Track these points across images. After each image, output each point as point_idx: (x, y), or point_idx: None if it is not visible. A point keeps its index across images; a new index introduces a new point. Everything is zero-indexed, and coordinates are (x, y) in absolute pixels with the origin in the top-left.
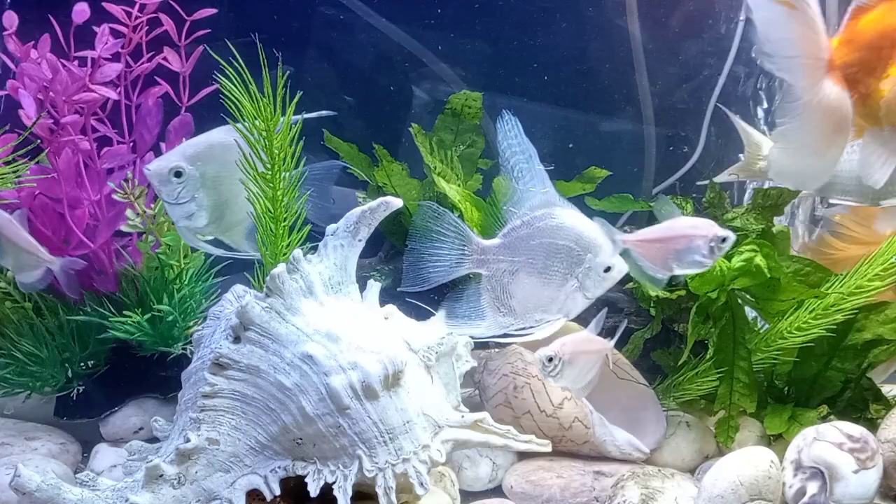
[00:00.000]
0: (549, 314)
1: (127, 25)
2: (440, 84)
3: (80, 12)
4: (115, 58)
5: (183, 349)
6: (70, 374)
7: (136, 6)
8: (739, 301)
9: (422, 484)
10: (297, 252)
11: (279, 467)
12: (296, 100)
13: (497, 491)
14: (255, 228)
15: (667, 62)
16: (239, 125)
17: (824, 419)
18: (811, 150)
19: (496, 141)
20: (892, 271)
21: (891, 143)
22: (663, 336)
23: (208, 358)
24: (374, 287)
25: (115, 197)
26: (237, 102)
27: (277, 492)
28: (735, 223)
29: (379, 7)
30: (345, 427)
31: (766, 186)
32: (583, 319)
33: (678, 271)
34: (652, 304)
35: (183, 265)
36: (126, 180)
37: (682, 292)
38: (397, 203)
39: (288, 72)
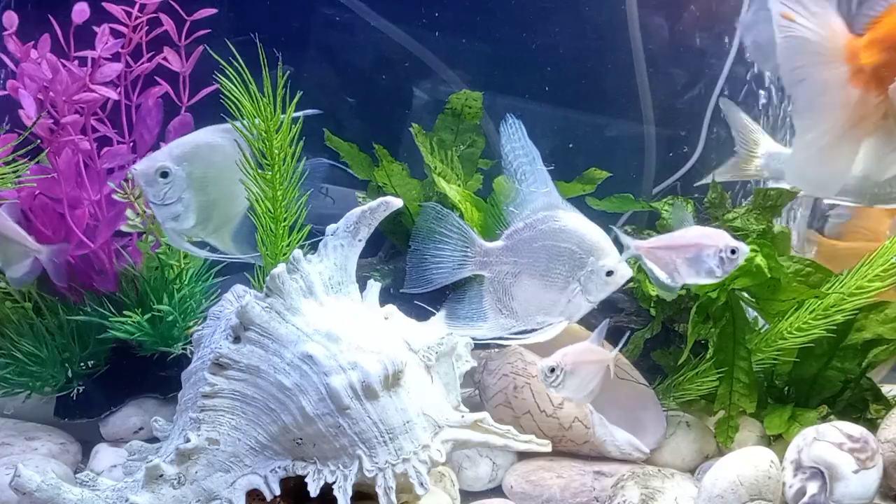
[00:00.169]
0: (552, 317)
1: (127, 25)
2: (440, 84)
3: (80, 12)
4: (115, 58)
5: (183, 349)
6: (70, 374)
7: (136, 6)
8: (740, 301)
9: (422, 484)
10: (297, 252)
11: (279, 467)
12: (296, 99)
13: (497, 491)
14: (241, 230)
15: (667, 62)
16: (237, 123)
17: (824, 419)
18: (834, 154)
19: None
20: (892, 272)
21: None
22: (663, 336)
23: (208, 358)
24: (374, 287)
25: (115, 197)
26: (237, 102)
27: (277, 492)
28: (735, 223)
29: (379, 7)
30: (345, 427)
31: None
32: (587, 322)
33: (689, 280)
34: (652, 304)
35: (183, 265)
36: (126, 180)
37: (683, 292)
38: (397, 203)
39: (288, 72)
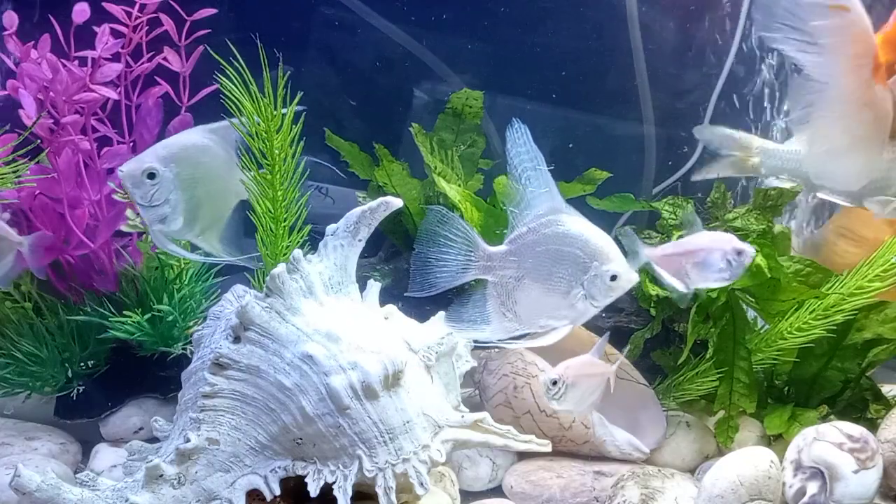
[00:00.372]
0: (556, 321)
1: (127, 25)
2: (440, 84)
3: (80, 12)
4: (116, 58)
5: (183, 349)
6: (70, 374)
7: (136, 6)
8: (739, 301)
9: (422, 484)
10: (297, 252)
11: (279, 467)
12: (296, 99)
13: (497, 491)
14: (227, 232)
15: (667, 62)
16: (235, 121)
17: (824, 419)
18: (855, 150)
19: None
20: (892, 272)
21: None
22: (663, 336)
23: (208, 358)
24: (374, 287)
25: (115, 197)
26: (237, 102)
27: (277, 492)
28: (735, 223)
29: (379, 7)
30: (345, 427)
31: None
32: (590, 324)
33: (701, 285)
34: (652, 304)
35: (183, 265)
36: None
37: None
38: (397, 203)
39: (288, 72)
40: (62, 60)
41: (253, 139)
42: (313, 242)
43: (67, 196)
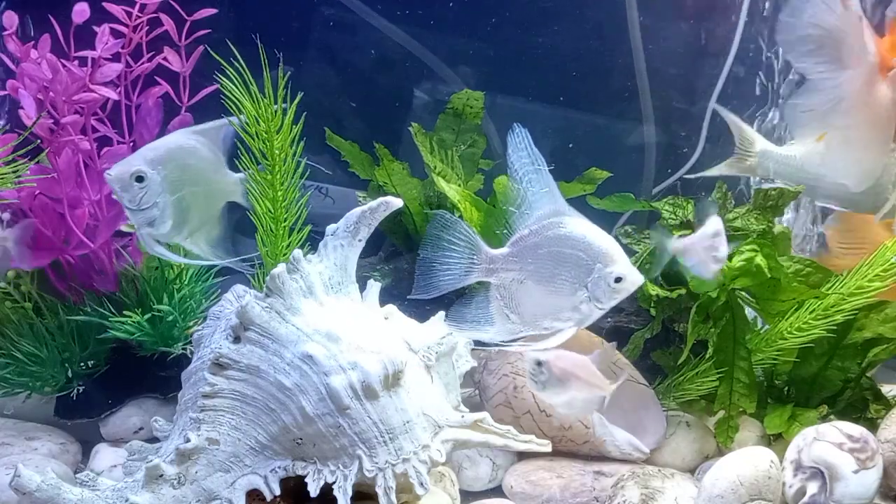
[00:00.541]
0: (560, 323)
1: (127, 25)
2: (440, 84)
3: (80, 12)
4: (116, 58)
5: (183, 349)
6: (70, 374)
7: (136, 6)
8: (739, 301)
9: (422, 484)
10: (297, 252)
11: (279, 467)
12: (297, 100)
13: (497, 491)
14: (217, 233)
15: (667, 62)
16: (234, 120)
17: (824, 419)
18: (866, 150)
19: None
20: (892, 272)
21: None
22: (663, 336)
23: (208, 358)
24: (374, 287)
25: (115, 197)
26: (237, 102)
27: (277, 492)
28: (736, 223)
29: (379, 7)
30: (345, 427)
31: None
32: (594, 326)
33: (714, 267)
34: (652, 304)
35: (183, 265)
36: None
37: (683, 291)
38: (397, 203)
39: (288, 72)
40: (62, 60)
41: (253, 139)
42: (313, 242)
43: (67, 196)
